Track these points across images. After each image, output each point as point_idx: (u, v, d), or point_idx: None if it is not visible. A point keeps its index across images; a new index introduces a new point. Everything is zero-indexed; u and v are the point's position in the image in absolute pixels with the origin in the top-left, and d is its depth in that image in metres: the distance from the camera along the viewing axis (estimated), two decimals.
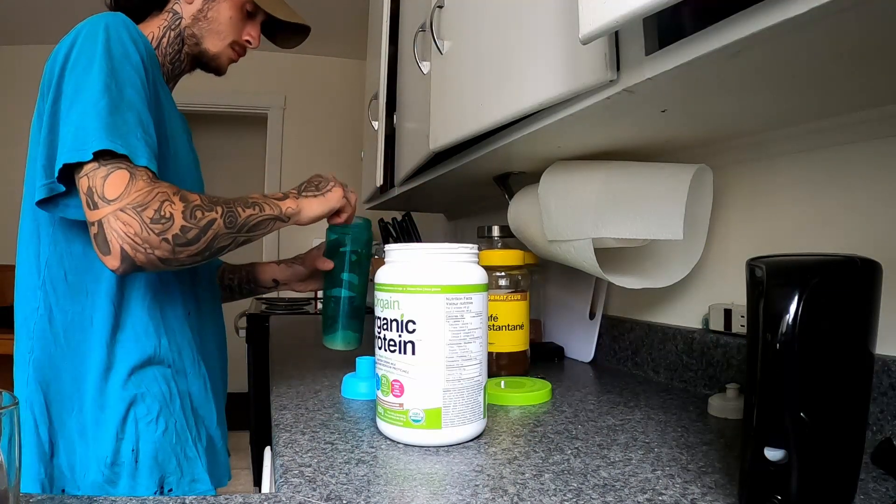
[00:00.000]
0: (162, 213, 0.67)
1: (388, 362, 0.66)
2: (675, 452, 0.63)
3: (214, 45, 0.94)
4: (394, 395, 0.66)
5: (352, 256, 0.97)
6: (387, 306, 0.66)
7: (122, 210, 0.66)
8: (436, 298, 0.64)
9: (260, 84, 3.54)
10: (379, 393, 0.68)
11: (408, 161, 1.42)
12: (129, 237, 0.66)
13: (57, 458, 0.77)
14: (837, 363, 0.43)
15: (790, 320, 0.42)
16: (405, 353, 0.65)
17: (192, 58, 0.94)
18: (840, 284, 0.44)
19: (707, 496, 0.52)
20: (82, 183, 0.68)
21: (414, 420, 0.64)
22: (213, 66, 0.96)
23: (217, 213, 0.71)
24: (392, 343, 0.66)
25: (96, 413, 0.78)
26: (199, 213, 0.70)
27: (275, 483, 0.60)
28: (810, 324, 0.42)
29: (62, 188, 0.71)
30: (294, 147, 3.66)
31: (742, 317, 0.85)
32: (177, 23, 0.91)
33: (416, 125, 1.31)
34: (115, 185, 0.67)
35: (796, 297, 0.42)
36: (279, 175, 3.63)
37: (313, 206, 0.82)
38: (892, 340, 0.63)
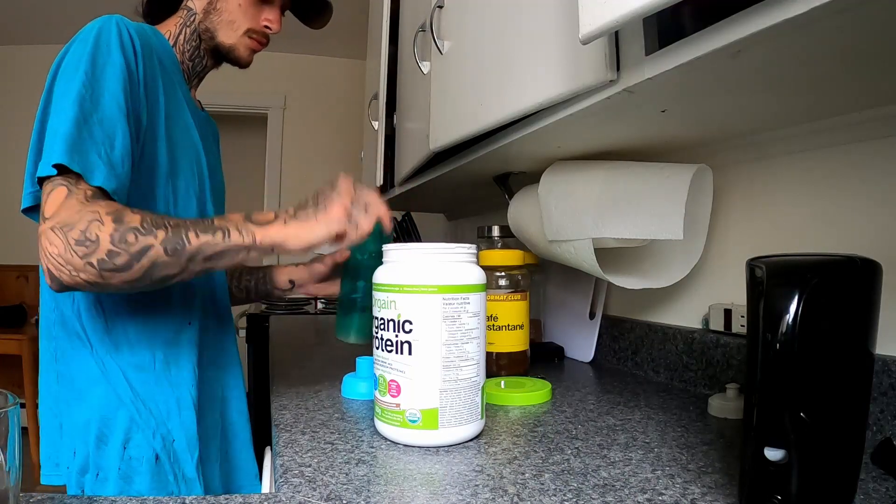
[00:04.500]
0: (87, 235, 0.62)
1: (385, 362, 0.67)
2: (675, 452, 0.63)
3: (228, 36, 0.90)
4: (391, 395, 0.66)
5: (366, 261, 0.94)
6: (384, 306, 0.66)
7: (51, 229, 0.63)
8: (432, 298, 0.64)
9: (260, 84, 3.54)
10: (377, 393, 0.68)
11: (408, 161, 1.42)
12: (53, 257, 0.63)
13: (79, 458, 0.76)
14: (837, 363, 0.43)
15: (790, 320, 0.42)
16: (402, 353, 0.65)
17: (211, 53, 0.91)
18: (840, 284, 0.44)
19: (707, 496, 0.52)
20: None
21: (411, 420, 0.64)
22: (232, 58, 0.92)
23: (157, 237, 0.64)
24: (389, 343, 0.66)
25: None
26: (131, 237, 0.63)
27: (275, 483, 0.60)
28: (810, 324, 0.42)
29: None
30: (294, 147, 3.66)
31: (742, 317, 0.85)
32: (191, 19, 0.89)
33: (416, 125, 1.31)
34: (52, 202, 0.65)
35: (796, 297, 0.42)
36: (279, 175, 3.63)
37: (301, 236, 0.68)
38: (892, 340, 0.63)
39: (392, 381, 0.66)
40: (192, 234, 0.65)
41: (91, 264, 0.63)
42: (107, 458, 0.76)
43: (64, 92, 0.69)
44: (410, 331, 0.64)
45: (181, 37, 0.88)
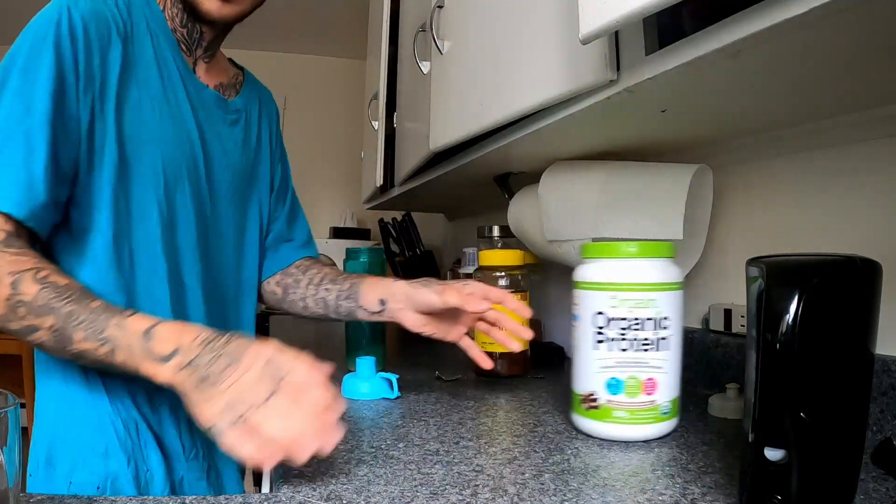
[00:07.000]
0: None
1: (639, 362, 0.66)
2: (675, 452, 0.63)
3: None
4: (645, 394, 0.66)
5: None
6: (640, 305, 0.66)
7: None
8: (679, 294, 0.68)
9: None
10: (617, 398, 0.66)
11: (408, 161, 1.42)
12: None
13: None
14: (837, 363, 0.43)
15: (790, 320, 0.42)
16: (660, 349, 0.66)
17: (193, 17, 0.76)
18: (840, 284, 0.44)
19: (707, 496, 0.52)
20: None
21: (664, 413, 0.67)
22: (199, 14, 0.74)
23: (45, 323, 0.57)
24: (646, 342, 0.66)
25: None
26: (22, 311, 0.57)
27: (275, 483, 0.60)
28: (810, 324, 0.42)
29: None
30: (294, 147, 3.66)
31: (742, 317, 0.85)
32: None
33: (416, 125, 1.31)
34: None
35: (796, 297, 0.42)
36: None
37: (187, 397, 0.54)
38: (892, 340, 0.63)
39: (648, 379, 0.66)
40: (78, 335, 0.57)
41: None
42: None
43: None
44: (667, 326, 0.66)
45: (168, 1, 0.76)
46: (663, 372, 0.66)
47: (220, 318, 0.81)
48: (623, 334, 0.66)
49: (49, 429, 0.70)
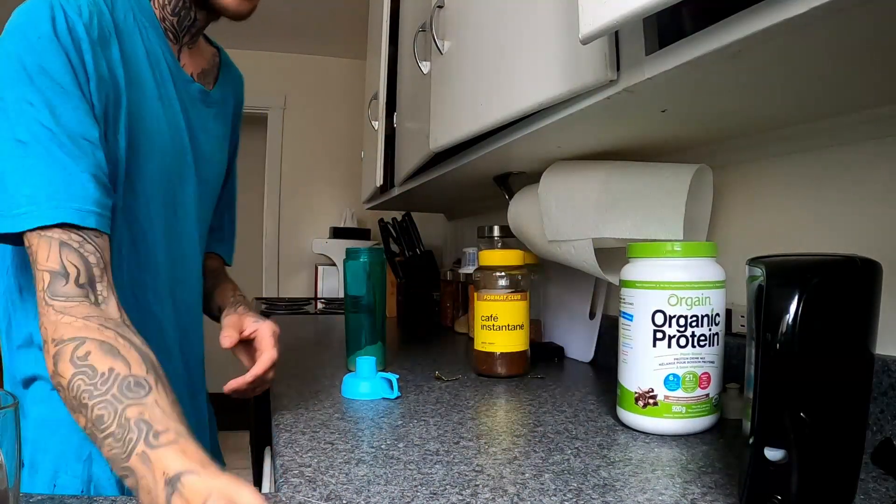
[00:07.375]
0: (44, 341, 0.54)
1: (697, 357, 0.68)
2: (675, 452, 0.63)
3: None
4: (701, 388, 0.68)
5: (373, 283, 1.05)
6: (696, 303, 0.68)
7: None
8: (724, 292, 0.70)
9: (260, 84, 3.54)
10: (675, 393, 0.68)
11: (408, 161, 1.42)
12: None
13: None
14: (837, 363, 0.43)
15: (790, 320, 0.42)
16: (714, 344, 0.68)
17: (197, 6, 0.72)
18: (840, 284, 0.44)
19: (707, 496, 0.52)
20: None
21: (714, 405, 0.70)
22: (219, 6, 0.71)
23: (80, 422, 0.50)
24: (703, 338, 0.68)
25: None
26: (62, 394, 0.52)
27: (275, 483, 0.60)
28: (810, 324, 0.42)
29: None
30: (294, 147, 3.66)
31: (742, 317, 0.85)
32: None
33: (416, 125, 1.31)
34: (42, 266, 0.55)
35: (796, 297, 0.42)
36: (279, 175, 3.63)
37: None
38: (892, 340, 0.63)
39: (704, 373, 0.68)
40: (104, 448, 0.48)
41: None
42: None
43: (7, 120, 0.56)
44: (718, 322, 0.69)
45: None
46: (715, 366, 0.69)
47: (187, 318, 0.80)
48: (682, 331, 0.68)
49: (32, 433, 0.69)
